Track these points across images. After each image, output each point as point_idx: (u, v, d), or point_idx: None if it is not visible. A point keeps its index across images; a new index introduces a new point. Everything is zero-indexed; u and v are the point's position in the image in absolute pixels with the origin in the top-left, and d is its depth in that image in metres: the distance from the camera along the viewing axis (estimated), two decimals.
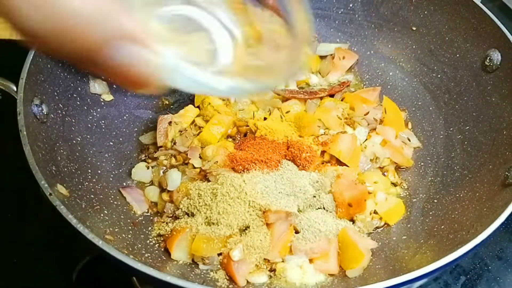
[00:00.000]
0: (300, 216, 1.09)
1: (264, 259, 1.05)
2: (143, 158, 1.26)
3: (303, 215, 1.10)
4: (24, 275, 1.19)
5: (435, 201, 1.18)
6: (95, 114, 1.25)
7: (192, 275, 1.02)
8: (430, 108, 1.36)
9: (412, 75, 1.43)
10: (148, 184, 1.23)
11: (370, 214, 1.15)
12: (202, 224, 1.06)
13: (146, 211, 1.17)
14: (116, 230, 1.05)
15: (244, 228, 1.07)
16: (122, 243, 1.01)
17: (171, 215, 1.13)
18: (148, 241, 1.08)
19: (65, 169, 1.07)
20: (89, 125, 1.22)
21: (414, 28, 1.42)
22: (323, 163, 1.21)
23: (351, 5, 1.50)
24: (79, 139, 1.17)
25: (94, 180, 1.13)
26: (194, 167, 1.20)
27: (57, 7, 0.49)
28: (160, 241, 1.09)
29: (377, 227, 1.16)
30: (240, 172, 1.13)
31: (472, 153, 1.20)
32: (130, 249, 1.01)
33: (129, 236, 1.06)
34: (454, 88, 1.32)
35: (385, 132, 1.28)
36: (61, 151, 1.09)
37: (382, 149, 1.25)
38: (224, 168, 1.15)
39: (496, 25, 1.20)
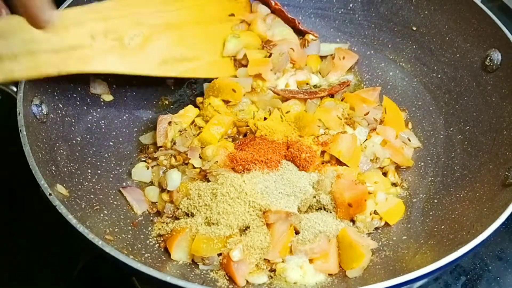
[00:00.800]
0: (300, 216, 1.09)
1: (264, 259, 1.05)
2: (143, 159, 1.26)
3: (303, 216, 1.10)
4: (24, 275, 1.19)
5: (435, 201, 1.18)
6: (95, 114, 1.25)
7: (192, 275, 1.02)
8: (430, 108, 1.36)
9: (412, 75, 1.43)
10: (148, 184, 1.23)
11: (370, 214, 1.15)
12: (202, 224, 1.06)
13: (146, 211, 1.17)
14: (116, 230, 1.04)
15: (244, 228, 1.07)
16: (122, 243, 1.01)
17: (171, 215, 1.13)
18: (148, 241, 1.08)
19: (65, 169, 1.07)
20: (89, 125, 1.22)
21: (414, 28, 1.42)
22: (323, 163, 1.21)
23: (351, 5, 1.50)
24: (79, 139, 1.17)
25: (94, 180, 1.13)
26: (194, 167, 1.19)
27: None
28: (160, 241, 1.09)
29: (377, 227, 1.16)
30: (240, 172, 1.13)
31: (472, 153, 1.20)
32: (130, 249, 1.01)
33: (129, 236, 1.06)
34: (454, 88, 1.32)
35: (385, 132, 1.27)
36: (61, 151, 1.09)
37: (382, 149, 1.25)
38: (224, 168, 1.15)
39: (496, 25, 1.20)
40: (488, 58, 1.22)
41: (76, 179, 1.08)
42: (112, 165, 1.22)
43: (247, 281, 1.03)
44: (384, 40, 1.49)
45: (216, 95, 1.29)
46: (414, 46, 1.43)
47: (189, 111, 1.30)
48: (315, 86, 1.43)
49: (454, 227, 1.05)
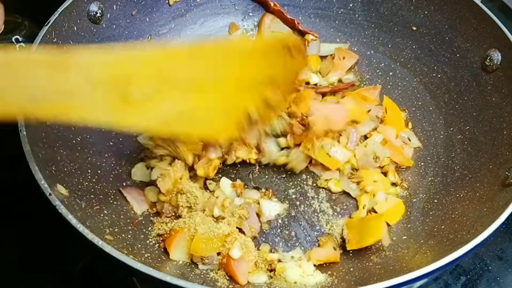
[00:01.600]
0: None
1: (264, 259, 1.05)
2: (141, 156, 1.26)
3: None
4: (24, 275, 1.19)
5: (435, 201, 1.18)
6: None
7: (192, 275, 1.02)
8: (430, 108, 1.36)
9: (412, 75, 1.43)
10: (148, 184, 1.23)
11: (369, 212, 1.16)
12: (200, 224, 1.06)
13: (146, 211, 1.17)
14: (116, 230, 1.04)
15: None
16: (122, 243, 1.01)
17: (169, 215, 1.13)
18: (148, 241, 1.08)
19: (65, 169, 1.06)
20: (89, 125, 1.22)
21: (414, 28, 1.42)
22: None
23: (351, 5, 1.50)
24: (79, 139, 1.16)
25: (94, 180, 1.13)
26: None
27: None
28: (160, 241, 1.09)
29: None
30: None
31: (472, 153, 1.20)
32: (130, 249, 1.01)
33: (129, 236, 1.06)
34: (454, 88, 1.32)
35: (386, 132, 1.28)
36: (61, 151, 1.09)
37: (382, 148, 1.25)
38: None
39: (496, 25, 1.20)
40: (488, 58, 1.22)
41: (76, 179, 1.08)
42: (112, 165, 1.22)
43: (247, 281, 1.03)
44: (384, 40, 1.49)
45: None
46: (414, 46, 1.43)
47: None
48: (315, 85, 1.43)
49: (454, 227, 1.05)
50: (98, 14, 1.24)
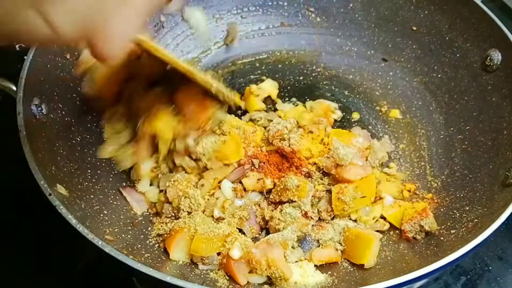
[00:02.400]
0: None
1: None
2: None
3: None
4: (24, 276, 1.19)
5: (436, 201, 1.18)
6: (94, 114, 1.25)
7: (192, 275, 1.02)
8: (431, 108, 1.36)
9: (412, 75, 1.43)
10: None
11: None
12: (200, 224, 1.06)
13: (146, 211, 1.17)
14: (116, 230, 1.04)
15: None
16: (121, 243, 1.01)
17: (169, 215, 1.13)
18: (148, 241, 1.08)
19: (65, 169, 1.06)
20: (89, 125, 1.22)
21: (414, 28, 1.42)
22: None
23: (351, 5, 1.50)
24: (78, 139, 1.16)
25: (93, 180, 1.13)
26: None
27: None
28: (159, 241, 1.09)
29: (381, 230, 1.15)
30: None
31: (472, 153, 1.20)
32: (130, 249, 1.00)
33: (129, 236, 1.06)
34: (455, 88, 1.32)
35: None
36: (61, 151, 1.09)
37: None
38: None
39: (496, 25, 1.21)
40: (488, 58, 1.22)
41: (76, 179, 1.08)
42: (112, 165, 1.22)
43: (247, 281, 1.03)
44: (384, 40, 1.48)
45: None
46: (414, 46, 1.43)
47: None
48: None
49: (454, 227, 1.05)
50: None
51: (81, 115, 1.21)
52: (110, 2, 0.63)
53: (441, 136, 1.31)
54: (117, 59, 0.68)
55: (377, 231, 1.13)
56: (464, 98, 1.29)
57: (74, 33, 0.62)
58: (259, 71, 1.51)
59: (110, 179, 1.19)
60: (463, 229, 1.03)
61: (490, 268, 1.20)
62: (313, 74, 1.50)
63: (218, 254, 1.04)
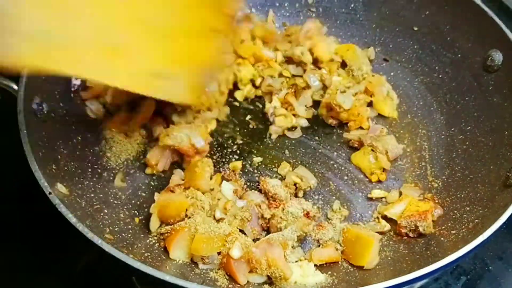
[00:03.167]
0: None
1: None
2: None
3: None
4: (24, 276, 1.19)
5: (436, 201, 1.17)
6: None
7: (192, 274, 1.02)
8: (432, 108, 1.36)
9: (413, 75, 1.43)
10: None
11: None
12: (201, 223, 1.06)
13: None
14: (116, 229, 1.04)
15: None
16: (121, 242, 1.01)
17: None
18: (148, 241, 1.08)
19: (65, 168, 1.07)
20: (89, 124, 1.22)
21: (415, 28, 1.42)
22: None
23: (352, 5, 1.50)
24: (79, 138, 1.17)
25: (94, 179, 1.13)
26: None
27: None
28: (160, 240, 1.09)
29: (382, 232, 1.14)
30: None
31: (473, 153, 1.20)
32: (130, 248, 1.00)
33: (129, 235, 1.06)
34: (456, 88, 1.32)
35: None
36: (61, 150, 1.09)
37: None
38: None
39: (497, 26, 1.21)
40: (490, 58, 1.22)
41: (76, 178, 1.08)
42: (112, 164, 1.22)
43: (247, 281, 1.03)
44: (385, 40, 1.48)
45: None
46: (416, 46, 1.43)
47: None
48: None
49: (455, 227, 1.05)
50: None
51: (81, 114, 1.21)
52: None
53: (442, 137, 1.30)
54: None
55: (377, 232, 1.13)
56: (465, 98, 1.29)
57: None
58: None
59: (110, 178, 1.19)
60: (463, 230, 1.03)
61: (490, 268, 1.20)
62: None
63: (218, 253, 1.04)
